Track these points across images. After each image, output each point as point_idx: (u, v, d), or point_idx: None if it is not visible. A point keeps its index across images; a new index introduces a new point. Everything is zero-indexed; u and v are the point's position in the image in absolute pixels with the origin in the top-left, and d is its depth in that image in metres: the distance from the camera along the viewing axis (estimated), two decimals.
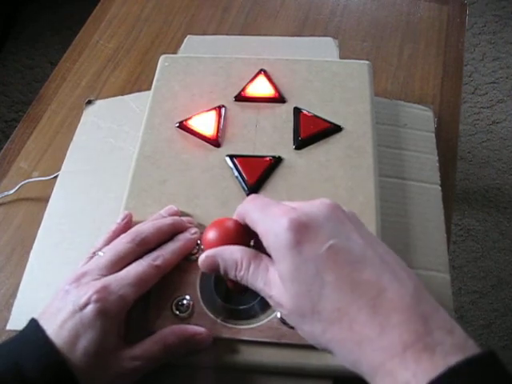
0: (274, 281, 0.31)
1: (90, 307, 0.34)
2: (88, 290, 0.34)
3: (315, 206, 0.32)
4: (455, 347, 0.26)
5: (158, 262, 0.38)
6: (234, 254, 0.33)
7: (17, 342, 0.34)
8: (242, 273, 0.33)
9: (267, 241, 0.31)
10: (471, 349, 0.27)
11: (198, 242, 0.41)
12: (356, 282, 0.29)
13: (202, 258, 0.35)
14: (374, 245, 0.31)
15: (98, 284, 0.35)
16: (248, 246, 0.35)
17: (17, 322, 0.43)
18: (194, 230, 0.41)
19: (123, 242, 0.38)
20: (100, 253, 0.38)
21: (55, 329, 0.33)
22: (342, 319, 0.28)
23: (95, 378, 0.33)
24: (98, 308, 0.34)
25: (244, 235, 0.35)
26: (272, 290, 0.31)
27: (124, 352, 0.35)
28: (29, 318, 0.35)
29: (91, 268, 0.37)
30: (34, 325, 0.34)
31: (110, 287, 0.35)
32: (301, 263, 0.29)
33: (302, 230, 0.30)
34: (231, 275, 0.34)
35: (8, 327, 0.43)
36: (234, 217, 0.36)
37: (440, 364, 0.26)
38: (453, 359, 0.26)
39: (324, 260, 0.29)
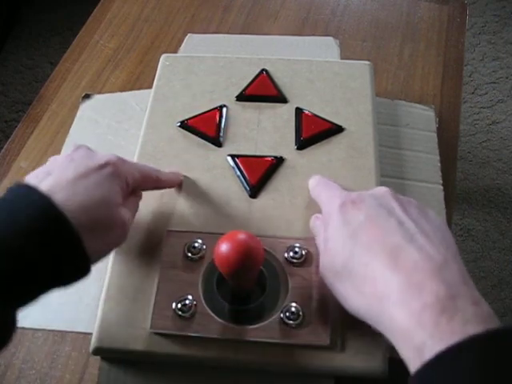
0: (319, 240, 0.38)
1: (109, 168, 0.36)
2: (104, 156, 0.37)
3: (370, 191, 0.37)
4: (477, 317, 0.26)
5: (157, 173, 0.42)
6: (331, 198, 0.38)
7: (9, 200, 0.32)
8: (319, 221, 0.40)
9: (324, 208, 0.39)
10: (494, 323, 0.26)
11: (201, 241, 0.41)
12: (385, 243, 0.31)
13: (314, 180, 0.43)
14: (418, 220, 0.33)
15: (112, 155, 0.38)
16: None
17: None
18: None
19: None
20: None
21: (61, 190, 0.33)
22: (368, 274, 0.31)
23: (92, 235, 0.32)
24: (115, 169, 0.36)
25: (259, 250, 0.33)
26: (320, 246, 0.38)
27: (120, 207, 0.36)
28: (26, 313, 0.32)
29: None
30: (24, 186, 0.32)
31: (124, 160, 0.38)
32: (341, 225, 0.34)
33: (349, 203, 0.35)
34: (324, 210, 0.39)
35: None
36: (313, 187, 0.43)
37: (457, 330, 0.25)
38: (472, 328, 0.25)
39: (361, 225, 0.33)
